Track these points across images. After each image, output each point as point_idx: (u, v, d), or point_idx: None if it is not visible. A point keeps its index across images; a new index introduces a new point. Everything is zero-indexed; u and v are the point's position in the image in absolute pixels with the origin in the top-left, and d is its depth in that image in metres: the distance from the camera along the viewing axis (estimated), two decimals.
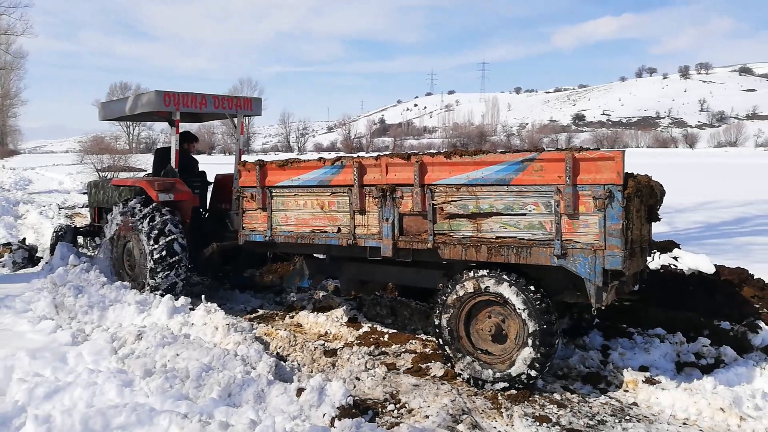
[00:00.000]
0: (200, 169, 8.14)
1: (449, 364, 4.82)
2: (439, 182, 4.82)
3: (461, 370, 4.70)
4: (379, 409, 4.30)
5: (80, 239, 8.99)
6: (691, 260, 6.64)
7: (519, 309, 4.48)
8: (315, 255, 6.57)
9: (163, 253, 6.54)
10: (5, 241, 10.10)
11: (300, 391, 4.18)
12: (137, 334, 5.41)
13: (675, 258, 6.80)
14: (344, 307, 6.65)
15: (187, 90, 7.09)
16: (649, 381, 4.66)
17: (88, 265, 7.44)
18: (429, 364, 5.13)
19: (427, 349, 5.52)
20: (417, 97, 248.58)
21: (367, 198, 5.28)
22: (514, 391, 4.51)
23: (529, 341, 4.42)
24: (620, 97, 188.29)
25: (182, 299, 6.36)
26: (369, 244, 5.30)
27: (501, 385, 4.54)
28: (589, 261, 4.17)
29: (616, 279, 4.34)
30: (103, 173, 22.30)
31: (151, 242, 6.54)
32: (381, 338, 5.84)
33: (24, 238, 10.08)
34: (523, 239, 4.46)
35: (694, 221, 13.14)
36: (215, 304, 6.21)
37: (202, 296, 6.51)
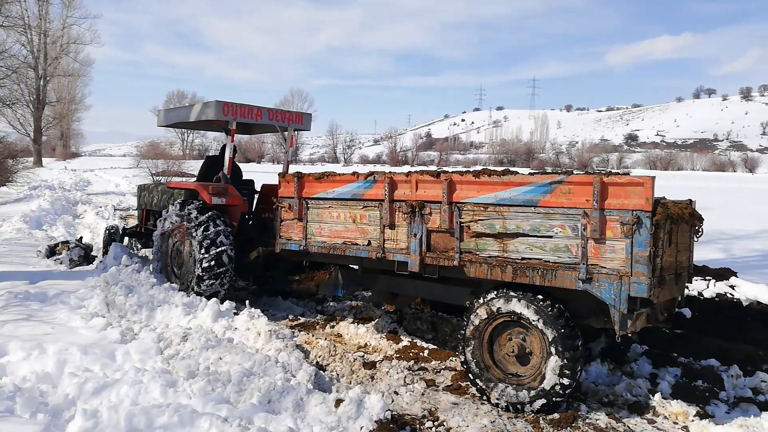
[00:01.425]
0: (247, 178, 8.40)
1: (484, 397, 4.71)
2: (467, 201, 4.85)
3: (497, 399, 4.60)
4: (417, 426, 4.24)
5: (125, 240, 9.31)
6: (749, 289, 6.35)
7: (533, 320, 4.44)
8: (350, 266, 6.64)
9: (212, 263, 6.72)
10: (63, 239, 10.54)
11: (338, 402, 4.18)
12: (183, 335, 5.54)
13: (732, 286, 6.52)
14: (384, 319, 6.64)
15: (241, 101, 7.32)
16: (701, 414, 4.44)
17: (139, 266, 7.68)
18: (469, 382, 5.05)
19: None
20: (465, 112, 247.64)
21: (397, 213, 5.39)
22: (556, 416, 4.39)
23: (552, 349, 4.35)
24: (676, 118, 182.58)
25: (227, 303, 6.50)
26: (397, 258, 5.39)
27: (539, 402, 4.42)
28: (614, 287, 4.11)
29: (645, 306, 4.24)
30: (158, 177, 23.09)
31: (203, 251, 6.72)
32: (421, 353, 5.79)
33: (81, 237, 10.49)
34: (548, 261, 4.43)
35: (753, 249, 12.52)
36: (258, 310, 6.30)
37: (246, 302, 6.63)
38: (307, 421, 3.93)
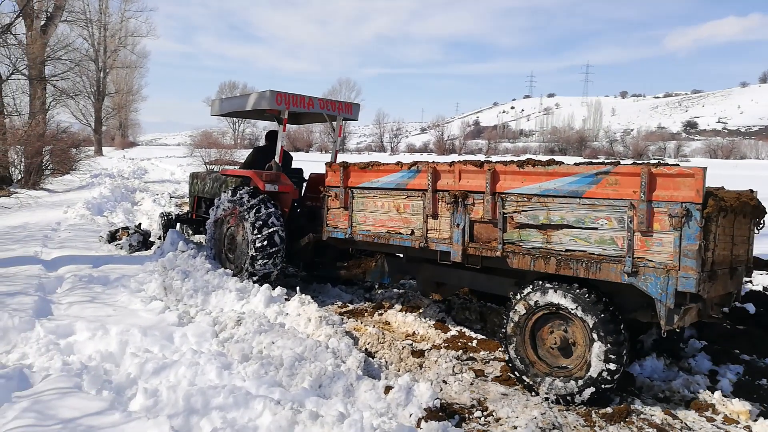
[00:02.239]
0: (296, 167, 8.56)
1: (532, 393, 4.64)
2: (510, 191, 4.82)
3: (546, 393, 4.52)
4: (466, 415, 4.24)
5: (178, 226, 9.66)
6: None
7: (572, 309, 4.41)
8: (396, 254, 6.69)
9: (265, 242, 6.91)
10: (123, 225, 10.99)
11: (388, 388, 4.21)
12: (237, 319, 5.70)
13: None
14: (432, 308, 6.64)
15: (291, 91, 7.46)
16: (765, 414, 4.26)
17: (194, 252, 7.93)
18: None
19: None
20: (514, 99, 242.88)
21: (440, 203, 5.40)
22: (609, 410, 4.29)
23: (595, 335, 4.30)
24: (739, 104, 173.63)
25: (279, 289, 6.64)
26: (440, 248, 5.41)
27: (588, 391, 4.33)
28: (661, 281, 4.02)
29: (694, 301, 4.13)
30: (210, 166, 23.71)
31: (255, 231, 6.92)
32: (469, 343, 5.76)
33: (140, 224, 10.90)
34: (593, 254, 4.37)
35: None
36: (309, 297, 6.41)
37: (297, 288, 6.75)
38: (357, 406, 3.98)
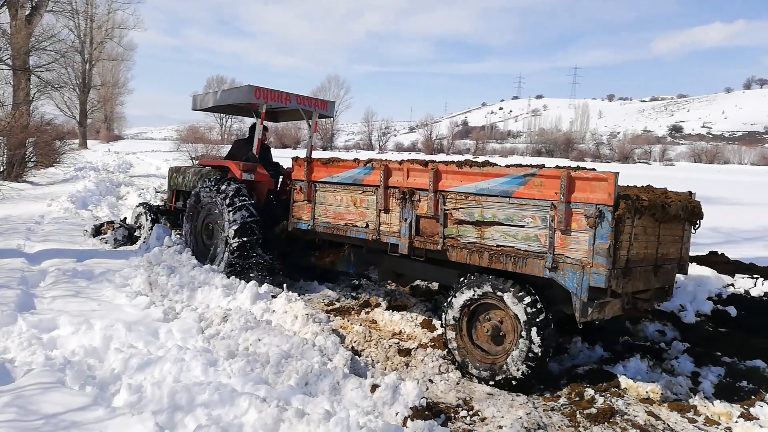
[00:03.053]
0: (276, 161, 8.80)
1: (464, 370, 4.97)
2: (450, 189, 5.15)
3: (478, 375, 4.87)
4: (452, 414, 4.26)
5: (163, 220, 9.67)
6: None
7: (502, 300, 4.75)
8: (360, 246, 6.94)
9: (240, 228, 7.03)
10: (108, 220, 10.87)
11: (374, 387, 4.22)
12: (223, 316, 5.66)
13: None
14: (419, 307, 6.65)
15: (280, 87, 7.58)
16: (746, 416, 4.33)
17: (180, 247, 7.87)
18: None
19: None
20: (503, 100, 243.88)
21: (390, 198, 5.76)
22: (593, 411, 4.34)
23: (522, 325, 4.61)
24: (724, 109, 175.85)
25: (265, 286, 6.62)
26: (390, 240, 5.80)
27: (516, 373, 4.63)
28: (576, 276, 4.33)
29: (613, 296, 4.44)
30: (196, 161, 23.51)
31: (231, 218, 7.07)
32: None
33: (125, 218, 10.79)
34: (520, 249, 4.70)
35: None
36: (296, 294, 6.39)
37: (284, 285, 6.73)
38: (344, 404, 3.98)
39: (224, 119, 70.08)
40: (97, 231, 9.73)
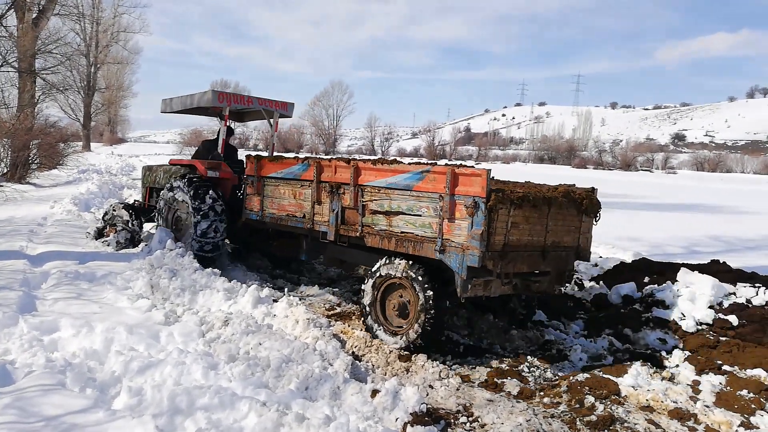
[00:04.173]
0: (240, 159, 9.25)
1: (375, 337, 5.64)
2: (367, 184, 5.89)
3: (392, 344, 5.50)
4: (452, 420, 4.25)
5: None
6: None
7: (406, 279, 5.44)
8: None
9: (205, 219, 7.80)
10: (111, 222, 10.87)
11: (375, 392, 4.22)
12: (224, 320, 5.67)
13: None
14: None
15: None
16: (746, 425, 4.32)
17: (182, 251, 7.89)
18: (504, 380, 5.03)
19: (503, 365, 5.42)
20: (506, 107, 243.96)
21: (322, 192, 6.46)
22: (594, 418, 4.33)
23: (421, 301, 5.30)
24: (727, 118, 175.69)
25: (267, 290, 6.65)
26: (321, 229, 6.54)
27: (414, 341, 5.34)
28: (458, 257, 5.05)
29: (486, 276, 5.11)
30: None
31: (197, 210, 7.80)
32: (456, 349, 5.78)
33: (127, 221, 10.81)
34: (418, 235, 5.44)
35: None
36: (297, 298, 6.40)
37: (285, 289, 6.74)
38: (344, 409, 3.98)
39: (228, 122, 70.23)
40: (100, 233, 9.74)
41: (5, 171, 18.83)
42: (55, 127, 25.14)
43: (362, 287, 5.88)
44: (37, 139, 20.18)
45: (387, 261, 5.69)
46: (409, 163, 5.62)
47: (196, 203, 7.82)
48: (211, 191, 7.94)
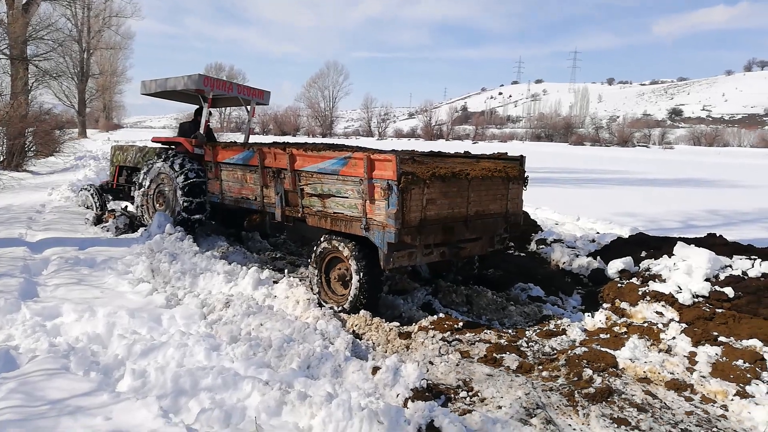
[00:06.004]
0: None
1: (322, 306, 5.98)
2: (302, 169, 6.35)
3: (325, 304, 6.02)
4: (452, 395, 4.31)
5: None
6: None
7: (343, 254, 5.88)
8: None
9: (193, 189, 8.27)
10: (110, 208, 10.89)
11: (375, 369, 4.27)
12: (225, 302, 5.72)
13: None
14: (420, 291, 6.70)
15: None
16: (741, 394, 4.39)
17: (182, 234, 7.91)
18: (503, 355, 5.09)
19: (502, 340, 5.47)
20: (502, 85, 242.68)
21: (267, 176, 6.94)
22: (592, 390, 4.40)
23: (354, 273, 5.74)
24: (724, 92, 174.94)
25: (267, 272, 6.69)
26: (270, 210, 7.08)
27: (350, 306, 5.82)
28: (380, 234, 5.54)
29: (410, 249, 5.62)
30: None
31: (185, 182, 8.27)
32: (455, 325, 5.81)
33: (126, 206, 10.82)
34: (347, 215, 5.92)
35: None
36: (297, 279, 6.44)
37: (285, 270, 6.78)
38: (345, 386, 4.04)
39: (224, 108, 69.77)
40: (99, 219, 9.76)
41: (1, 159, 18.76)
42: (49, 114, 25.02)
43: (310, 261, 6.29)
44: (32, 127, 20.07)
45: (324, 238, 6.17)
46: (334, 150, 6.14)
47: (181, 173, 8.32)
48: (197, 165, 8.44)
